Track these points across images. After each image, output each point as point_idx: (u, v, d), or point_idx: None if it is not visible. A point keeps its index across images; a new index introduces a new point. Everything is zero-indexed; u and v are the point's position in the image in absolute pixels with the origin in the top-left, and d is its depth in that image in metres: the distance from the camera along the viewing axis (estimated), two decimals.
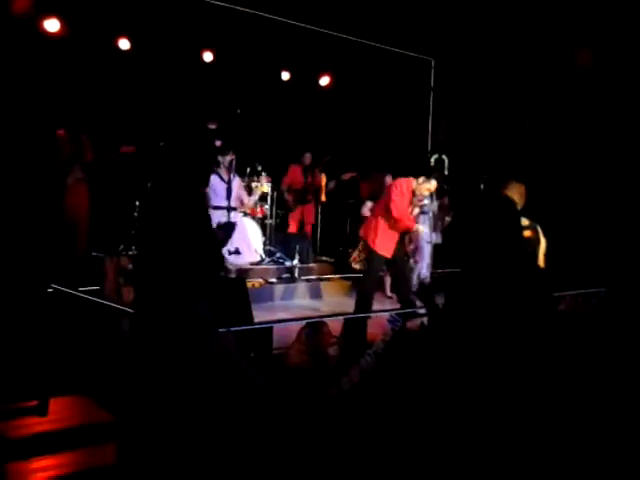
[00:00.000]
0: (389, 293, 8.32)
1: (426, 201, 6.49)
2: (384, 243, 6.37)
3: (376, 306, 7.52)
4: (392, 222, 6.31)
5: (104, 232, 7.89)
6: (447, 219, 8.51)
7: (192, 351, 3.22)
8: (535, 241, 4.82)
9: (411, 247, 8.32)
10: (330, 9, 8.73)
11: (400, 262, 6.57)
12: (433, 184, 6.37)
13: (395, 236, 6.41)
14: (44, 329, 5.31)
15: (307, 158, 9.28)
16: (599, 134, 8.94)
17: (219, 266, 3.49)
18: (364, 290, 6.64)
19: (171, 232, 3.20)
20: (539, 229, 4.81)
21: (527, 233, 4.64)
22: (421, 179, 6.33)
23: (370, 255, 6.51)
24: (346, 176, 9.16)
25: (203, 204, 3.39)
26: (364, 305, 6.54)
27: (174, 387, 3.21)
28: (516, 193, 4.67)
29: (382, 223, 6.35)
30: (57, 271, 6.67)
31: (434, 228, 8.37)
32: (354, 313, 6.48)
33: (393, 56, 10.23)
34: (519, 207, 4.69)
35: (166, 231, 3.20)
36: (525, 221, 4.70)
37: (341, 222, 10.06)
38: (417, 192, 6.35)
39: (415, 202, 6.38)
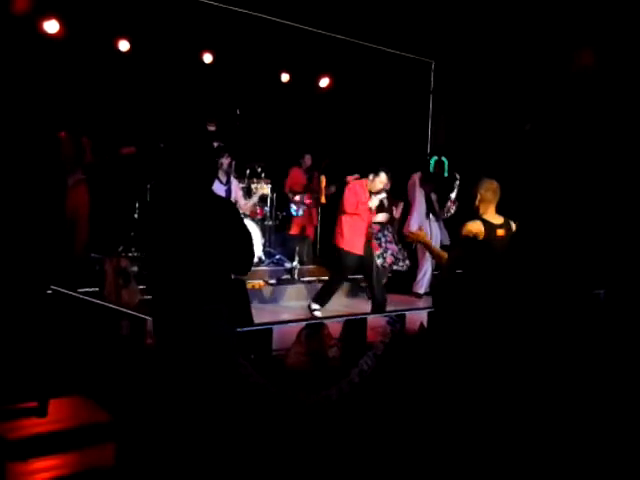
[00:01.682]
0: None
1: (383, 194, 6.88)
2: (353, 241, 6.77)
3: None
4: (352, 219, 6.75)
5: (104, 233, 7.88)
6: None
7: (205, 354, 3.19)
8: (508, 240, 4.71)
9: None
10: (329, 11, 8.73)
11: (369, 260, 6.88)
12: (382, 177, 6.81)
13: (361, 232, 6.80)
14: (43, 330, 5.30)
15: (307, 159, 9.26)
16: (599, 135, 8.94)
17: (248, 266, 3.45)
18: (332, 286, 6.98)
19: (202, 234, 3.16)
20: (514, 227, 4.73)
21: (499, 232, 4.57)
22: (371, 177, 6.82)
23: (340, 254, 6.87)
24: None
25: (222, 200, 3.35)
26: (326, 299, 6.89)
27: (175, 388, 3.20)
28: (489, 190, 4.68)
29: (346, 223, 6.79)
30: (56, 272, 6.65)
31: (440, 228, 8.40)
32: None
33: (393, 58, 10.23)
34: (493, 204, 4.68)
35: (196, 233, 3.16)
36: (499, 219, 4.64)
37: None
38: (372, 189, 6.82)
39: (373, 197, 6.80)
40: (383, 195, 6.90)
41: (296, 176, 9.25)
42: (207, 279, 3.18)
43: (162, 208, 3.32)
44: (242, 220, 3.37)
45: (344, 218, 6.81)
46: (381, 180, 6.81)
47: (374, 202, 6.81)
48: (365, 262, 6.86)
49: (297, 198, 9.17)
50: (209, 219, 3.21)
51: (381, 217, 7.05)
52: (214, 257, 3.18)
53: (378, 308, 6.88)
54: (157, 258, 3.26)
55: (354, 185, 6.84)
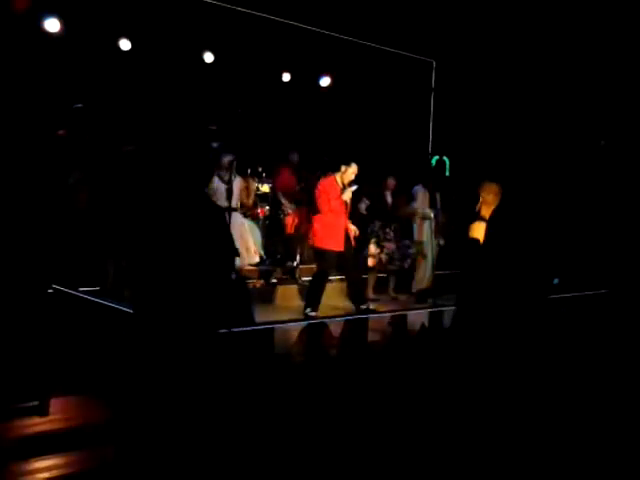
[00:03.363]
0: (393, 294, 8.31)
1: (355, 186, 6.98)
2: (330, 238, 6.87)
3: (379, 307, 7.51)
4: (326, 217, 6.88)
5: (104, 232, 7.86)
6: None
7: (193, 352, 3.21)
8: None
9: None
10: (331, 10, 8.73)
11: (348, 256, 7.01)
12: (354, 166, 6.95)
13: (338, 229, 6.90)
14: (44, 329, 5.30)
15: (295, 156, 9.18)
16: (599, 135, 8.94)
17: (230, 267, 3.49)
18: (317, 287, 7.00)
19: (181, 234, 3.18)
20: None
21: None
22: (343, 168, 6.97)
23: (318, 253, 7.05)
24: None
25: (210, 204, 3.38)
26: (317, 299, 6.90)
27: (175, 386, 3.20)
28: (490, 193, 4.73)
29: (320, 222, 6.94)
30: (57, 271, 6.65)
31: (437, 232, 8.39)
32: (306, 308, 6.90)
33: (394, 57, 10.23)
34: (493, 206, 4.72)
35: (176, 233, 3.18)
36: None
37: None
38: (345, 180, 6.95)
39: (346, 188, 6.91)
40: (355, 187, 6.99)
41: (285, 175, 9.18)
42: (195, 278, 3.20)
43: (156, 209, 3.34)
44: (226, 223, 3.40)
45: (319, 218, 6.97)
46: (353, 170, 6.94)
47: (347, 194, 6.91)
48: (343, 258, 6.95)
49: (284, 200, 9.15)
50: (195, 220, 3.23)
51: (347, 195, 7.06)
52: (199, 257, 3.20)
53: (354, 305, 7.05)
54: (146, 257, 3.28)
55: (322, 184, 6.98)
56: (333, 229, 6.89)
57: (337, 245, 6.90)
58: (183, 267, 3.20)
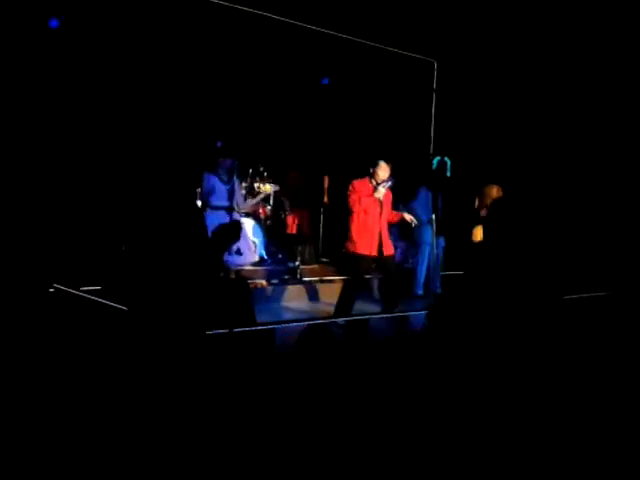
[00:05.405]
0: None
1: (389, 182, 6.65)
2: (363, 242, 6.50)
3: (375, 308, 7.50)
4: (359, 219, 6.51)
5: (105, 232, 7.87)
6: None
7: (182, 351, 3.22)
8: None
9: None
10: (332, 10, 8.72)
11: (387, 261, 6.66)
12: (382, 164, 6.63)
13: (372, 233, 6.52)
14: (45, 329, 5.30)
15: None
16: (601, 136, 8.93)
17: (213, 267, 3.51)
18: (349, 296, 6.64)
19: (166, 232, 3.20)
20: None
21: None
22: (371, 169, 6.64)
23: (352, 259, 6.62)
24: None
25: (195, 206, 3.42)
26: (348, 306, 6.56)
27: (170, 386, 3.21)
28: (487, 195, 4.74)
29: (353, 224, 6.56)
30: (59, 270, 6.66)
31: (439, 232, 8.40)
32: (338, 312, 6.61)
33: (396, 57, 10.22)
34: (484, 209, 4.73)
35: (162, 231, 3.21)
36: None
37: (343, 223, 10.03)
38: (377, 179, 6.59)
39: (379, 188, 6.57)
40: (389, 183, 6.65)
41: (294, 178, 9.22)
42: (173, 277, 3.22)
43: (153, 208, 3.36)
44: (203, 223, 3.42)
45: (351, 219, 6.59)
46: (381, 167, 6.61)
47: (380, 192, 6.52)
48: (381, 262, 6.63)
49: (285, 200, 9.19)
50: (173, 219, 3.26)
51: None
52: (176, 257, 3.22)
53: (391, 304, 6.76)
54: (143, 257, 3.30)
55: (353, 183, 6.64)
56: (367, 232, 6.50)
57: (372, 249, 6.52)
58: (164, 266, 3.21)
